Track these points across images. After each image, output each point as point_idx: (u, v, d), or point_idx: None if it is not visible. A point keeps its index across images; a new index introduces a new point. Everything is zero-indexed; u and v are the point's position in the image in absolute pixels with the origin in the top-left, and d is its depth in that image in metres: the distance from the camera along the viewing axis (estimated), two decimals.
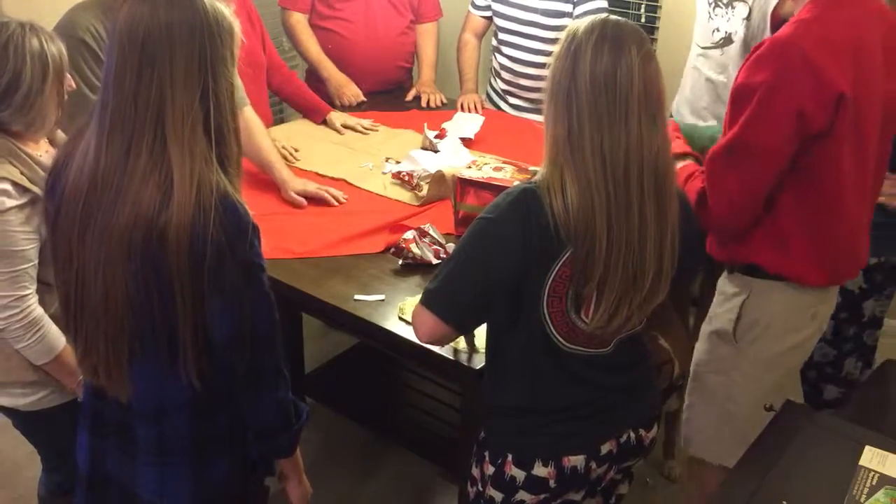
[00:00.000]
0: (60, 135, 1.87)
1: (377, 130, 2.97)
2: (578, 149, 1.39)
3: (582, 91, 1.38)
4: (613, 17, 1.44)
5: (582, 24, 1.42)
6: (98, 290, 1.30)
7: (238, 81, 1.38)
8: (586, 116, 1.38)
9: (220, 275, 1.26)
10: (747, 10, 2.51)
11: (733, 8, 2.55)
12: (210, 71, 1.26)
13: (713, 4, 2.62)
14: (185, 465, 1.42)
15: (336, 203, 2.39)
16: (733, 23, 2.56)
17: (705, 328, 1.93)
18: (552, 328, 1.48)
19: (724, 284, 1.89)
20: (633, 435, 1.62)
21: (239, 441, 1.48)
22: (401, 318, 1.85)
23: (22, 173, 1.70)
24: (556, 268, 1.42)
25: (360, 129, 2.95)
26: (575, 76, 1.39)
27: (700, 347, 1.96)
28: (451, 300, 1.48)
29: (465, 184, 2.10)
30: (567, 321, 1.48)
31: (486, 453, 1.62)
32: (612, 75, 1.37)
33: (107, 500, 1.51)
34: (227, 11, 1.31)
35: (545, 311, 1.47)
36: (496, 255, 1.44)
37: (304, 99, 3.05)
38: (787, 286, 1.77)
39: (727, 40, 2.59)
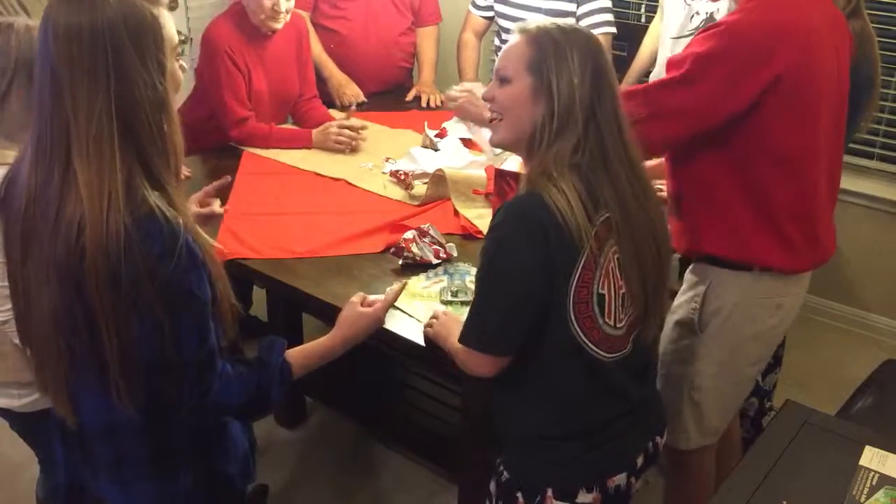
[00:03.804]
0: None
1: (366, 128, 2.83)
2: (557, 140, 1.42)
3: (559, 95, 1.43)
4: (561, 22, 1.54)
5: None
6: (36, 311, 1.26)
7: (178, 75, 1.30)
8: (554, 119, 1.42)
9: (138, 300, 1.19)
10: None
11: None
12: (118, 79, 1.17)
13: None
14: (148, 484, 1.37)
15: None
16: (720, 3, 2.53)
17: (669, 318, 1.93)
18: (583, 336, 1.43)
19: (688, 274, 1.91)
20: (651, 444, 1.60)
21: (206, 453, 1.43)
22: None
23: None
24: (578, 271, 1.39)
25: (353, 133, 2.78)
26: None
27: (665, 337, 1.95)
28: (497, 334, 1.44)
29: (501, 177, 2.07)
30: (597, 326, 1.44)
31: (519, 494, 1.52)
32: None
33: None
34: (144, 9, 1.21)
35: (574, 320, 1.42)
36: (518, 270, 1.40)
37: (306, 119, 2.99)
38: (746, 275, 1.77)
39: (709, 20, 2.56)
